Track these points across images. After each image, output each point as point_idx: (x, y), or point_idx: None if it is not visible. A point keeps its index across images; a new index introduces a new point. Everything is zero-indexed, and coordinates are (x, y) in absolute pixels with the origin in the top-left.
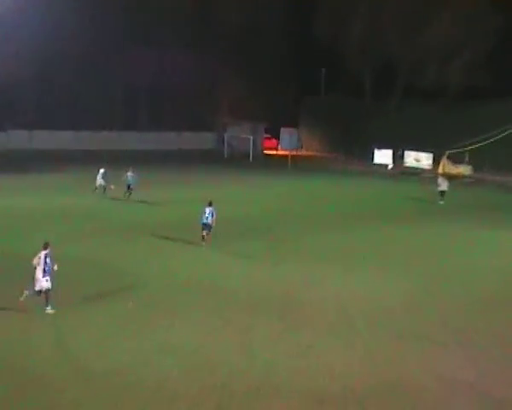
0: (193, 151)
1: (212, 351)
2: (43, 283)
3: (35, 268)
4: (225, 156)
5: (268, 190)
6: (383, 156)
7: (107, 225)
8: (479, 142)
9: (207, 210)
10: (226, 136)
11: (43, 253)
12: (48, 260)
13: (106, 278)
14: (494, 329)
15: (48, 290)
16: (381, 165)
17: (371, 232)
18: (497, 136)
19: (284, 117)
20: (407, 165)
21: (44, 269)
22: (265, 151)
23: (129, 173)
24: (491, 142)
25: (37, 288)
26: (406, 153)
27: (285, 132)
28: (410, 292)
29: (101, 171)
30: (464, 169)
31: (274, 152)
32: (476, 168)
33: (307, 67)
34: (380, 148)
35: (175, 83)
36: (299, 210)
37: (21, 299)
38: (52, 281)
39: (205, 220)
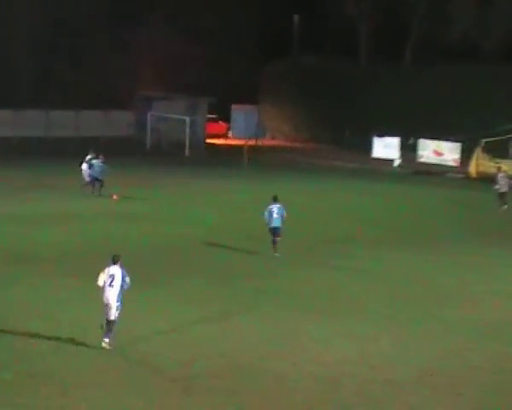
0: (98, 139)
1: None
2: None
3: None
4: (148, 147)
5: (213, 200)
6: (387, 148)
7: None
8: None
9: (275, 208)
10: (150, 116)
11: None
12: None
13: None
14: None
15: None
16: (384, 160)
17: (376, 265)
18: None
19: (238, 89)
20: (423, 160)
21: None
22: (209, 140)
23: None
24: None
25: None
26: (422, 142)
27: (238, 112)
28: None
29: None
30: (510, 166)
31: (222, 141)
32: None
33: (272, 13)
34: (382, 135)
35: (72, 30)
36: (264, 230)
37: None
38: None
39: (275, 224)
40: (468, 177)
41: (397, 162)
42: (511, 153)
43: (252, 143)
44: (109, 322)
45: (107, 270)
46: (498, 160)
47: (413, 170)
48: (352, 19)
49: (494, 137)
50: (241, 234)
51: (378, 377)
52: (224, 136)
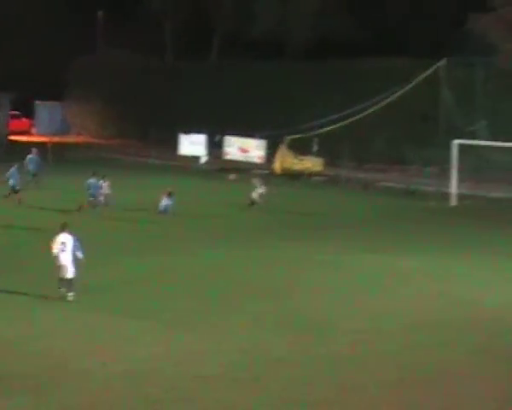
0: None
1: None
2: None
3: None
4: None
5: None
6: (194, 144)
7: None
8: (335, 122)
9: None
10: None
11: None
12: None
13: None
14: None
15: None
16: (191, 157)
17: (185, 260)
18: (358, 114)
19: (43, 85)
20: (229, 157)
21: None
22: (12, 137)
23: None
24: (352, 122)
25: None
26: (228, 139)
27: (42, 109)
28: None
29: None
30: (313, 163)
31: (25, 138)
32: (330, 161)
33: (80, 8)
34: (188, 132)
35: None
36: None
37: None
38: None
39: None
40: (272, 173)
41: (203, 159)
42: (314, 150)
43: (56, 140)
44: (69, 280)
45: (57, 238)
46: (302, 157)
47: (219, 166)
48: (158, 16)
49: (298, 134)
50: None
51: (185, 372)
52: (28, 132)
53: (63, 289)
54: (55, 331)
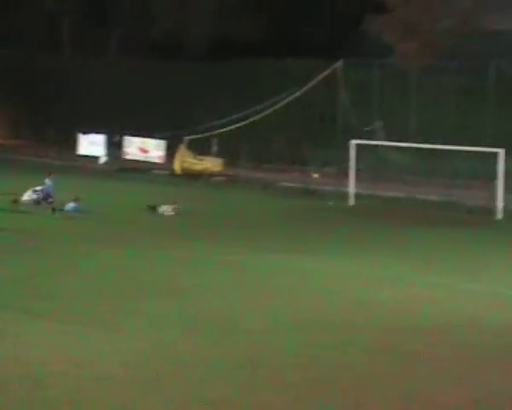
0: None
1: None
2: None
3: None
4: None
5: None
6: (93, 145)
7: None
8: (234, 123)
9: None
10: None
11: None
12: None
13: None
14: None
15: None
16: (90, 157)
17: (84, 261)
18: (257, 115)
19: None
20: (129, 157)
21: None
22: None
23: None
24: (252, 123)
25: None
26: (127, 139)
27: None
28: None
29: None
30: (213, 163)
31: None
32: (230, 161)
33: None
34: (87, 132)
35: None
36: None
37: None
38: None
39: None
40: (172, 173)
41: (103, 160)
42: (214, 150)
43: None
44: None
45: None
46: (201, 157)
47: (119, 167)
48: (54, 13)
49: (198, 134)
50: None
51: (86, 374)
52: None
53: None
54: None
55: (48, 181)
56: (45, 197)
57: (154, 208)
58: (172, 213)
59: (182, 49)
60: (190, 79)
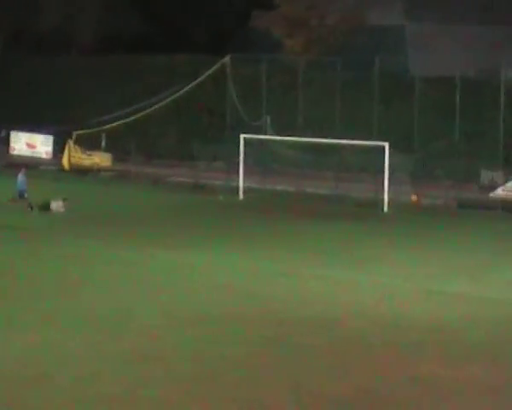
0: None
1: None
2: None
3: None
4: None
5: None
6: None
7: None
8: (122, 118)
9: None
10: None
11: None
12: None
13: None
14: None
15: None
16: None
17: None
18: (146, 110)
19: None
20: (16, 153)
21: None
22: None
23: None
24: (140, 117)
25: None
26: (14, 134)
27: None
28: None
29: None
30: (101, 158)
31: None
32: (119, 156)
33: None
34: None
35: None
36: None
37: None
38: None
39: None
40: (61, 169)
41: None
42: (103, 145)
43: None
44: None
45: None
46: (90, 152)
47: (5, 162)
48: None
49: (86, 129)
50: None
51: None
52: None
53: None
54: None
55: (21, 177)
56: (21, 194)
57: (46, 207)
58: (63, 209)
59: (70, 44)
60: (79, 75)
